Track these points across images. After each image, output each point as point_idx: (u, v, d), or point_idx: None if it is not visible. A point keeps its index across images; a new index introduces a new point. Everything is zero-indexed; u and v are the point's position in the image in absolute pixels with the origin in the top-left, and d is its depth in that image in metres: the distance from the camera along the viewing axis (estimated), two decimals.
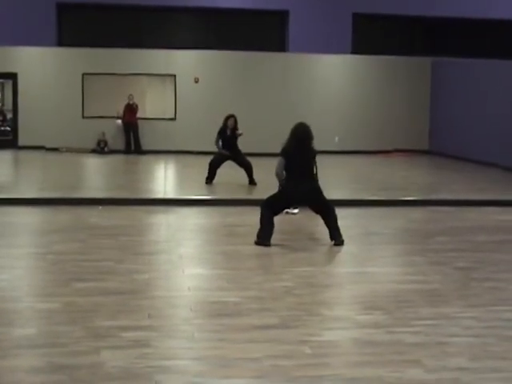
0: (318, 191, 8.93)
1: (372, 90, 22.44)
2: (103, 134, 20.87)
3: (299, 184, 8.79)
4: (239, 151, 14.01)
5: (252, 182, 13.98)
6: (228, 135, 13.91)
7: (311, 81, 21.91)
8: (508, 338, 5.55)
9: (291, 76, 21.69)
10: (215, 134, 14.00)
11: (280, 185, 9.12)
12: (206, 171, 14.01)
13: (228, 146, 13.96)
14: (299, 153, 8.82)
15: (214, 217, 11.01)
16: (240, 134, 13.92)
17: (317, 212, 9.18)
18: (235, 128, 13.93)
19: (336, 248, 8.82)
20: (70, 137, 20.96)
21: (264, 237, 8.82)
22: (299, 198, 9.06)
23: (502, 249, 9.10)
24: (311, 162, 8.89)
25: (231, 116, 13.96)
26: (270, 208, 8.95)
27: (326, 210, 9.03)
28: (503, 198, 12.97)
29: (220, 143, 13.95)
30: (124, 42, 21.71)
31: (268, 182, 13.69)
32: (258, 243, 8.82)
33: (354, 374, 4.76)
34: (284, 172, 8.88)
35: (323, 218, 9.09)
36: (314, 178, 8.90)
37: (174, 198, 12.43)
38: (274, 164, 9.13)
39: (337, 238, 8.94)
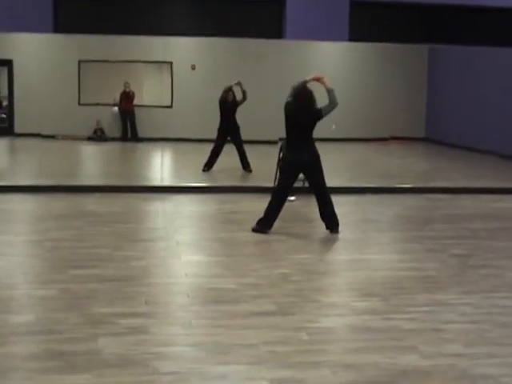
0: (318, 158, 8.85)
1: (369, 78, 22.43)
2: (97, 122, 20.82)
3: (298, 152, 8.78)
4: (239, 135, 14.08)
5: (246, 167, 14.03)
6: (229, 103, 14.11)
7: (308, 68, 21.78)
8: (503, 324, 5.58)
9: (288, 63, 21.63)
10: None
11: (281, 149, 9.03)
12: (206, 158, 14.06)
13: (228, 114, 14.14)
14: (298, 118, 8.76)
15: (212, 204, 11.01)
16: (238, 84, 14.26)
17: (314, 187, 9.03)
18: (234, 101, 14.17)
19: (333, 235, 8.84)
20: (67, 124, 20.93)
21: (265, 225, 8.83)
22: (301, 166, 8.90)
23: (498, 236, 9.12)
24: (310, 127, 8.80)
25: (230, 90, 14.16)
26: (282, 188, 8.92)
27: (322, 186, 8.96)
28: (500, 186, 12.99)
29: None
30: (121, 29, 21.64)
31: (264, 169, 13.73)
32: (256, 230, 8.83)
33: (350, 360, 4.78)
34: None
35: (318, 201, 9.00)
36: (312, 146, 8.83)
37: (171, 185, 12.42)
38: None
39: (333, 226, 8.96)
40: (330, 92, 8.92)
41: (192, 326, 5.39)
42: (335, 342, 5.16)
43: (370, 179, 13.40)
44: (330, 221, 8.98)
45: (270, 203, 8.94)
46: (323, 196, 8.96)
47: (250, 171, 13.98)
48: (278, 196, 8.94)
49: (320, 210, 9.03)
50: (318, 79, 9.05)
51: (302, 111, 8.73)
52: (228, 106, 14.07)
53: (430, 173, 15.15)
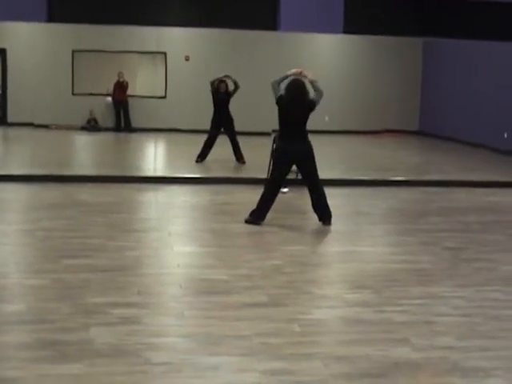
0: (311, 150, 8.86)
1: (363, 70, 22.42)
2: (90, 112, 20.76)
3: (291, 143, 8.78)
4: (232, 127, 14.06)
5: (239, 159, 14.04)
6: (221, 93, 14.08)
7: (302, 60, 21.79)
8: (495, 318, 5.59)
9: (282, 55, 21.58)
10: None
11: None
12: (200, 149, 14.06)
13: (221, 105, 14.11)
14: (291, 110, 8.77)
15: (204, 195, 11.00)
16: (226, 76, 14.26)
17: (307, 179, 9.02)
18: (227, 91, 14.15)
19: (326, 227, 8.84)
20: (60, 114, 20.87)
21: (258, 216, 8.83)
22: (294, 158, 8.89)
23: (492, 229, 9.14)
24: (304, 119, 8.81)
25: (222, 81, 14.15)
26: (275, 180, 8.92)
27: (315, 178, 8.96)
28: (493, 179, 13.02)
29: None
30: (115, 18, 21.55)
31: (258, 161, 13.72)
32: (249, 221, 8.84)
33: (342, 352, 4.78)
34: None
35: (311, 193, 8.99)
36: (306, 138, 8.83)
37: (164, 175, 12.40)
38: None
39: (326, 218, 8.97)
40: (313, 83, 9.00)
41: (184, 317, 5.39)
42: (327, 334, 5.16)
43: (363, 172, 13.40)
44: (323, 213, 8.98)
45: (263, 195, 8.93)
46: (316, 188, 8.96)
47: (244, 162, 13.97)
48: (271, 187, 8.94)
49: (312, 202, 9.03)
50: (299, 73, 9.07)
51: (296, 103, 8.74)
52: (220, 96, 14.04)
53: (423, 166, 15.16)
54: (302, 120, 8.79)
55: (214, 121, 14.18)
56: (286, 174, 9.07)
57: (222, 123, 14.12)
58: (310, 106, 8.78)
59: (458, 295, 6.16)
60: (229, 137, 14.15)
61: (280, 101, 8.83)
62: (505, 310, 5.83)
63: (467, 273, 6.93)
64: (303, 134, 8.82)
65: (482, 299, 6.08)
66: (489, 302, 6.00)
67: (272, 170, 9.11)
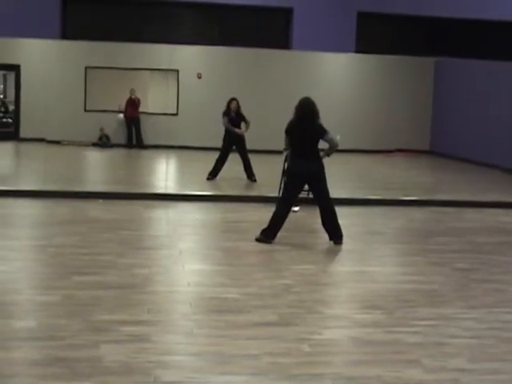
0: (322, 169, 8.83)
1: (375, 90, 22.43)
2: (101, 129, 20.83)
3: (303, 163, 8.74)
4: (244, 143, 14.07)
5: (250, 176, 14.03)
6: (233, 117, 14.05)
7: (314, 79, 21.88)
8: (507, 340, 5.55)
9: (294, 74, 21.65)
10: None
11: (285, 151, 8.99)
12: (211, 167, 14.06)
13: (233, 125, 14.10)
14: (301, 130, 8.74)
15: (215, 213, 11.00)
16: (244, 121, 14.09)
17: (318, 198, 8.98)
18: (238, 111, 14.11)
19: (336, 246, 8.81)
20: (72, 130, 20.96)
21: (269, 234, 8.80)
22: (306, 177, 8.85)
23: (503, 250, 9.09)
24: (315, 140, 8.76)
25: (233, 99, 14.17)
26: (286, 199, 8.91)
27: (327, 197, 8.92)
28: (504, 200, 12.96)
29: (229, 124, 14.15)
30: (127, 36, 21.69)
31: (269, 179, 13.71)
32: (259, 240, 8.81)
33: (352, 372, 4.76)
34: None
35: (322, 212, 8.94)
36: (317, 158, 8.80)
37: (175, 193, 12.41)
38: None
39: (336, 237, 8.92)
40: (324, 137, 8.82)
41: (194, 335, 5.37)
42: (337, 355, 5.14)
43: (374, 191, 13.38)
44: (334, 232, 8.94)
45: (275, 213, 8.91)
46: (328, 206, 8.92)
47: (255, 180, 13.96)
48: (283, 206, 8.92)
49: (323, 221, 8.99)
50: None
51: (305, 123, 8.72)
52: (233, 118, 14.04)
53: (434, 185, 15.13)
54: (312, 140, 8.77)
55: (225, 138, 14.19)
56: (298, 193, 9.06)
57: (234, 141, 14.13)
58: (320, 131, 8.73)
59: (469, 316, 6.12)
60: (240, 155, 14.16)
61: (289, 125, 8.85)
62: None
63: (478, 294, 6.89)
64: (315, 153, 8.81)
65: (493, 321, 6.04)
66: (500, 324, 5.96)
67: (283, 189, 9.10)
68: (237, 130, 14.03)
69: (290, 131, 8.82)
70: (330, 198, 8.97)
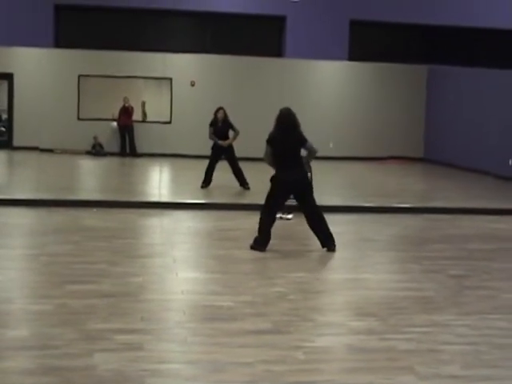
0: (307, 178, 9.01)
1: (368, 97, 22.47)
2: (94, 138, 20.82)
3: (288, 173, 8.79)
4: (233, 152, 14.06)
5: (243, 184, 14.01)
6: (219, 126, 14.04)
7: (307, 87, 21.93)
8: (500, 347, 5.56)
9: (287, 82, 21.70)
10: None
11: (270, 165, 9.04)
12: (203, 175, 14.05)
13: (220, 138, 14.10)
14: (284, 140, 8.81)
15: (209, 221, 11.01)
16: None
17: (306, 207, 8.99)
18: (226, 119, 14.08)
19: (330, 254, 8.81)
20: (65, 138, 20.95)
21: (261, 244, 8.80)
22: (292, 187, 8.90)
23: (496, 257, 9.11)
24: (297, 149, 8.88)
25: (220, 108, 14.17)
26: (271, 207, 8.91)
27: (315, 205, 8.97)
28: (497, 207, 13.00)
29: (214, 136, 14.13)
30: (121, 44, 21.71)
31: (261, 187, 13.71)
32: (253, 248, 8.81)
33: (346, 379, 4.76)
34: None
35: (311, 220, 8.96)
36: (301, 166, 8.90)
37: (169, 201, 12.42)
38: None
39: (329, 244, 8.91)
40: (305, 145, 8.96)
41: (188, 344, 5.37)
42: (331, 362, 5.15)
43: (367, 198, 13.39)
44: (327, 238, 8.93)
45: (260, 223, 8.91)
46: (317, 214, 8.94)
47: (248, 188, 13.94)
48: (268, 215, 8.89)
49: (313, 228, 8.99)
50: None
51: (286, 133, 8.80)
52: (219, 127, 14.05)
53: (428, 193, 15.16)
54: (294, 149, 8.87)
55: (213, 147, 14.18)
56: (283, 202, 9.09)
57: (220, 151, 14.10)
58: (301, 141, 8.85)
59: (462, 323, 6.13)
60: (229, 163, 14.14)
61: (269, 138, 8.90)
62: (509, 338, 5.81)
63: (471, 301, 6.90)
64: (298, 161, 8.90)
65: (486, 327, 6.05)
66: (493, 331, 5.98)
67: (268, 197, 9.04)
68: (220, 142, 14.01)
69: (272, 142, 8.86)
70: (318, 206, 8.99)
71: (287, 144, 8.79)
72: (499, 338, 5.79)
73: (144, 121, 21.34)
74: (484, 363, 5.18)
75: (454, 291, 7.24)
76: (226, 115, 14.12)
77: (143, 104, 21.55)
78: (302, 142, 8.84)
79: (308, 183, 8.97)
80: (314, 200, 8.96)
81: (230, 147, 14.11)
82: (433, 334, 5.79)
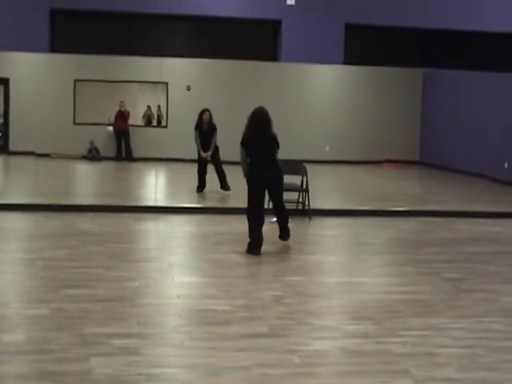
0: (282, 175, 9.14)
1: (364, 101, 22.51)
2: (91, 143, 20.81)
3: (263, 169, 8.87)
4: (218, 156, 14.04)
5: (224, 186, 13.98)
6: (205, 129, 14.01)
7: (303, 90, 21.96)
8: (496, 349, 5.56)
9: (283, 86, 21.73)
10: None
11: (244, 175, 9.08)
12: (197, 180, 14.04)
13: (205, 141, 14.04)
14: (257, 139, 8.87)
15: (204, 225, 11.01)
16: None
17: (275, 199, 9.25)
18: (211, 122, 14.02)
19: (325, 257, 8.84)
20: (61, 143, 20.95)
21: (254, 248, 8.80)
22: (267, 183, 8.97)
23: (492, 260, 9.12)
24: (271, 147, 8.97)
25: (206, 110, 14.13)
26: (253, 207, 8.93)
27: (282, 202, 9.29)
28: (492, 210, 13.02)
29: (199, 140, 14.07)
30: (117, 48, 21.73)
31: None
32: (248, 252, 8.81)
33: (342, 383, 4.76)
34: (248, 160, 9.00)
35: (277, 214, 9.29)
36: (276, 162, 9.01)
37: (165, 205, 12.42)
38: None
39: (284, 237, 9.38)
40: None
41: (184, 348, 5.37)
42: (327, 365, 5.14)
43: (363, 202, 13.40)
44: (284, 231, 9.35)
45: (249, 228, 8.92)
46: (283, 210, 9.30)
47: (228, 189, 13.90)
48: (253, 216, 8.91)
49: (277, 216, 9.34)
50: None
51: (259, 131, 8.90)
52: (204, 130, 13.99)
53: (424, 196, 15.18)
54: (268, 147, 8.94)
55: (199, 152, 14.13)
56: (263, 199, 9.05)
57: (210, 159, 14.06)
58: (275, 142, 9.00)
59: (458, 326, 6.13)
60: (214, 166, 14.12)
61: (244, 142, 8.95)
62: (505, 341, 5.81)
63: (467, 304, 6.91)
64: (273, 160, 9.00)
65: (482, 330, 6.06)
66: (489, 334, 5.98)
67: (248, 198, 9.03)
68: (203, 154, 13.98)
69: (245, 143, 8.90)
70: (283, 202, 9.35)
71: (260, 144, 8.88)
72: (495, 340, 5.80)
73: (160, 125, 21.50)
74: (480, 366, 5.18)
75: (450, 294, 7.25)
76: (211, 117, 14.08)
77: (159, 108, 21.58)
78: (276, 144, 9.03)
79: (281, 183, 9.17)
80: (282, 199, 9.29)
81: (215, 149, 14.08)
82: (429, 337, 5.79)
